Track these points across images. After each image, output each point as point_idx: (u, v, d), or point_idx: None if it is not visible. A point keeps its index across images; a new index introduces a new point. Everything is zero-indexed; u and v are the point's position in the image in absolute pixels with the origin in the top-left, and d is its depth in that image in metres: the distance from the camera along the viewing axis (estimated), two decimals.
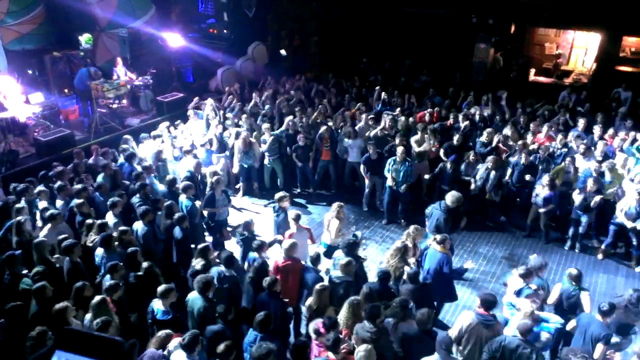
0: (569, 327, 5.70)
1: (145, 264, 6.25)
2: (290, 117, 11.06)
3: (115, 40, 14.17)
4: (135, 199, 7.91)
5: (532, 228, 9.30)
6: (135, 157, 9.33)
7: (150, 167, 8.87)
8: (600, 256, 8.72)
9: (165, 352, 4.88)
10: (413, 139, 10.20)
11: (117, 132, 11.78)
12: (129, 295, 5.96)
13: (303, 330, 6.61)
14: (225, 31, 16.90)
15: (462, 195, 7.85)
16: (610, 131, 10.19)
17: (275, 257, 6.81)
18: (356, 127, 10.62)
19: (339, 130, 10.83)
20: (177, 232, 7.23)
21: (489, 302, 5.42)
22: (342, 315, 5.48)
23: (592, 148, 9.49)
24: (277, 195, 7.90)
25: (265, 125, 10.46)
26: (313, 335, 5.32)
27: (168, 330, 5.10)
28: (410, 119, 11.10)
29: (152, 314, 5.66)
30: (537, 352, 4.97)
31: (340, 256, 6.59)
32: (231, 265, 6.32)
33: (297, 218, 7.30)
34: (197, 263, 6.33)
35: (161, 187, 8.60)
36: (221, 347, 4.83)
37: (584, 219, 8.61)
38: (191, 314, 5.76)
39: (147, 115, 13.15)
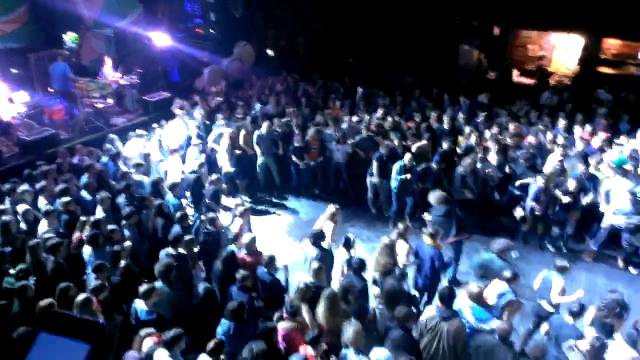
0: (542, 331, 5.80)
1: (122, 263, 6.27)
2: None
3: (101, 40, 14.10)
4: (121, 199, 7.92)
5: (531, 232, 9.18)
6: (120, 156, 9.32)
7: (140, 164, 8.90)
8: (621, 264, 8.64)
9: (143, 355, 4.86)
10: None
11: (103, 131, 11.73)
12: (113, 294, 5.96)
13: None
14: (211, 31, 16.90)
15: (446, 194, 7.93)
16: (588, 128, 10.38)
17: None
18: (342, 129, 10.67)
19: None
20: (177, 230, 7.26)
21: (445, 296, 5.49)
22: (320, 310, 5.53)
23: (571, 148, 9.66)
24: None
25: (266, 124, 10.44)
26: (275, 321, 5.44)
27: (147, 330, 5.08)
28: (396, 118, 11.20)
29: (135, 314, 5.65)
30: (513, 355, 5.05)
31: (308, 249, 6.68)
32: (177, 244, 6.54)
33: (242, 214, 7.52)
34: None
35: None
36: (211, 345, 4.88)
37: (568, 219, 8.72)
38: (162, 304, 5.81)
39: (133, 115, 13.10)
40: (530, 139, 10.20)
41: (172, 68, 15.92)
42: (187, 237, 6.73)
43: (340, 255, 6.85)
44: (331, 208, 7.54)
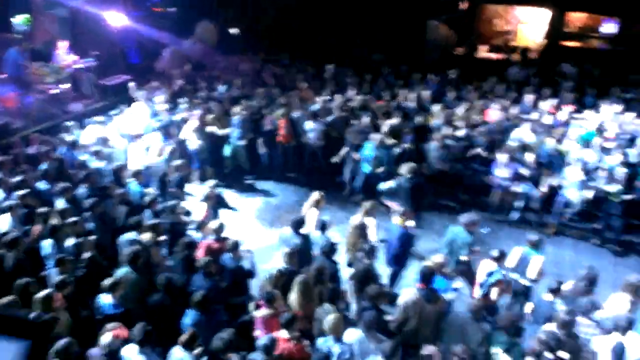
0: (527, 310, 5.84)
1: (87, 255, 6.04)
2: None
3: (55, 21, 13.39)
4: (82, 189, 7.59)
5: (498, 208, 9.28)
6: (78, 144, 8.93)
7: (98, 151, 8.55)
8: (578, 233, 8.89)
9: (106, 350, 4.70)
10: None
11: (59, 118, 11.21)
12: (78, 288, 5.74)
13: None
14: (171, 9, 16.32)
15: (416, 165, 8.09)
16: (554, 102, 10.48)
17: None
18: (312, 109, 10.52)
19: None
20: (147, 215, 7.13)
21: (426, 276, 5.50)
22: (293, 296, 5.50)
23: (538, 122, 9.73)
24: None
25: (237, 108, 10.22)
26: (253, 310, 5.44)
27: (111, 324, 4.93)
28: (365, 97, 11.05)
29: (101, 308, 5.46)
30: (483, 331, 5.12)
31: (286, 235, 6.60)
32: (137, 229, 6.48)
33: (207, 198, 7.38)
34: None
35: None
36: (185, 336, 4.77)
37: (533, 194, 8.83)
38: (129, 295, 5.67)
39: (91, 100, 12.57)
40: (496, 114, 10.22)
41: (131, 49, 15.31)
42: (150, 222, 6.55)
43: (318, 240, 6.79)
44: (315, 195, 7.41)
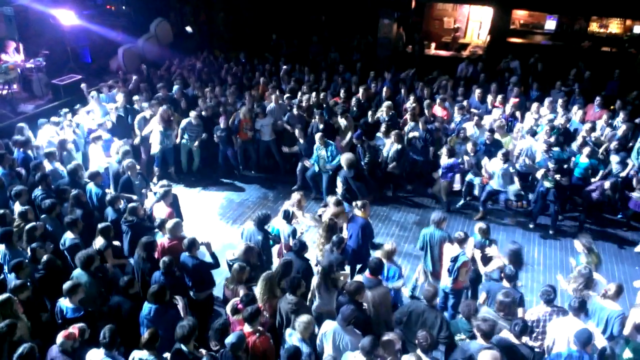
0: (480, 299, 6.04)
1: (45, 258, 5.93)
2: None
3: (1, 20, 12.94)
4: (38, 192, 7.45)
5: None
6: (30, 143, 8.73)
7: (53, 153, 8.36)
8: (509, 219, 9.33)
9: (67, 347, 4.68)
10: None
11: (10, 120, 10.89)
12: (36, 292, 5.68)
13: None
14: (123, 7, 16.00)
15: (354, 156, 8.50)
16: (499, 98, 10.95)
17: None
18: (268, 107, 10.63)
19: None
20: (110, 213, 7.06)
21: (376, 267, 5.71)
22: (258, 291, 5.54)
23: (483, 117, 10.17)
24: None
25: (193, 113, 10.18)
26: (229, 313, 5.39)
27: (74, 325, 4.85)
28: (321, 95, 11.24)
29: (62, 313, 5.37)
30: (441, 317, 5.32)
31: (250, 228, 6.70)
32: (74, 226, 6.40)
33: (163, 196, 7.32)
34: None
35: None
36: (145, 336, 4.74)
37: (476, 181, 9.25)
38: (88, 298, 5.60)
39: (42, 100, 12.26)
40: (440, 112, 10.61)
41: (83, 48, 14.96)
42: (100, 226, 6.49)
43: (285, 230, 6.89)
44: (296, 196, 7.44)
